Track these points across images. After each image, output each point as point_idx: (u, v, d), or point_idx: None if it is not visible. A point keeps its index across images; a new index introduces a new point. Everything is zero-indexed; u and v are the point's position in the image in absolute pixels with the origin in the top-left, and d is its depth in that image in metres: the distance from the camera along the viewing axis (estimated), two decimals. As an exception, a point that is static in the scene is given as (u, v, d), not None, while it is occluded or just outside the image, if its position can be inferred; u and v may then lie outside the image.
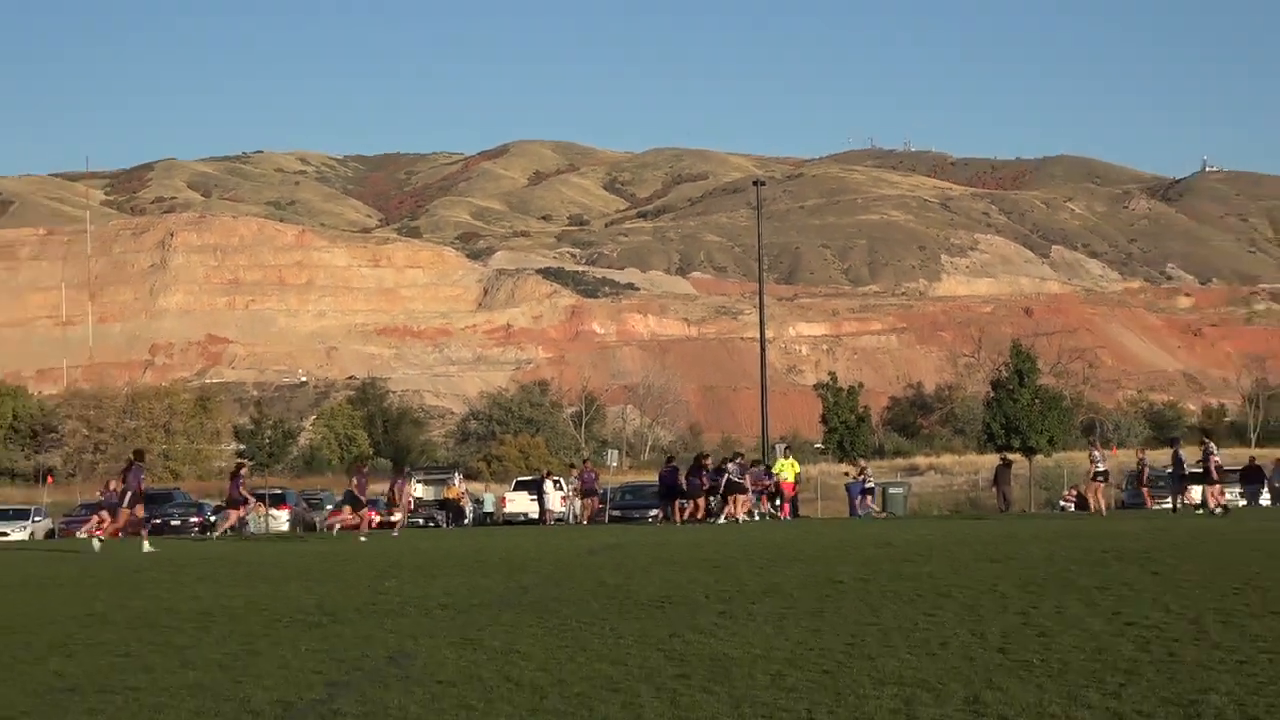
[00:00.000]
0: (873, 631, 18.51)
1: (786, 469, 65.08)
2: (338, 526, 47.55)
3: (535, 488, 78.59)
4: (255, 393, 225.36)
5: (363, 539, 43.42)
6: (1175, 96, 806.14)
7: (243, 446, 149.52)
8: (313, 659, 17.66)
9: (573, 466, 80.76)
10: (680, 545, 37.54)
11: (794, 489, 65.23)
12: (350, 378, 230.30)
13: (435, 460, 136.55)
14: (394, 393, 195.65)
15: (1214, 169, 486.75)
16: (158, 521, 78.94)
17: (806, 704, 13.54)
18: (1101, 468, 56.83)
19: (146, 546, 42.03)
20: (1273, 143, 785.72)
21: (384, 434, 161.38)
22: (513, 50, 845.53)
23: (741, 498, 57.91)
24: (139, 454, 55.03)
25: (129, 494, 44.07)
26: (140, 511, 47.02)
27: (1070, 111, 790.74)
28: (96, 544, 41.96)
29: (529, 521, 76.19)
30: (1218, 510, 51.56)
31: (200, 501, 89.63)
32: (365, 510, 51.31)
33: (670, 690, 14.57)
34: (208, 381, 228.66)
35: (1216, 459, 54.34)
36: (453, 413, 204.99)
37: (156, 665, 17.45)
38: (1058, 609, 20.24)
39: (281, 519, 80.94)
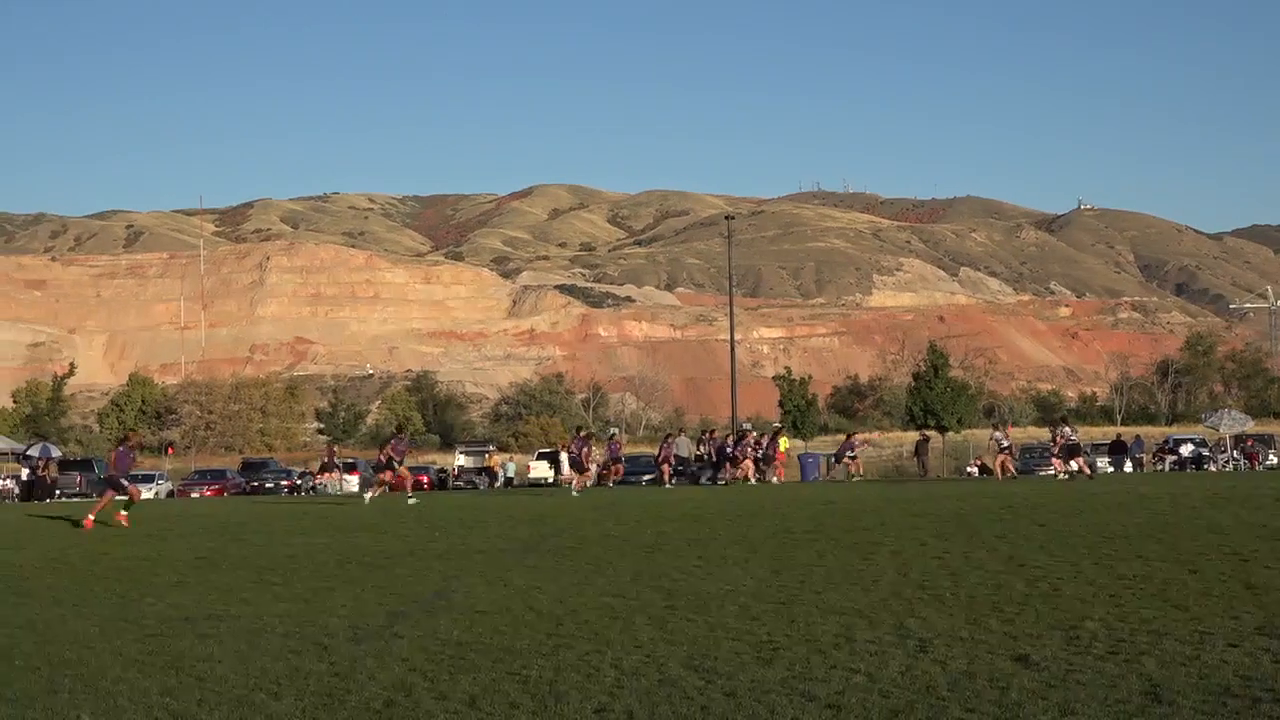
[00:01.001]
0: (820, 572, 18.46)
1: (781, 443, 64.89)
2: (375, 491, 46.97)
3: (553, 458, 78.53)
4: (333, 383, 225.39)
5: (411, 500, 43.15)
6: (1056, 148, 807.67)
7: (322, 425, 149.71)
8: (375, 594, 17.64)
9: (592, 436, 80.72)
10: (669, 503, 37.43)
11: (783, 458, 64.87)
12: (407, 371, 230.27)
13: (475, 436, 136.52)
14: (442, 383, 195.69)
15: (1087, 206, 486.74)
16: (255, 485, 79.13)
17: (767, 629, 13.49)
18: (1005, 443, 56.69)
19: (411, 500, 42.26)
20: (1134, 184, 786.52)
21: (434, 415, 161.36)
22: (536, 113, 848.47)
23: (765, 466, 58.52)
24: (399, 428, 56.01)
25: (391, 460, 44.73)
26: (406, 472, 47.99)
27: (975, 160, 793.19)
28: (391, 498, 42.85)
29: (548, 485, 76.15)
30: (1062, 476, 51.67)
31: (289, 468, 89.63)
32: (404, 473, 51.03)
33: (660, 618, 14.53)
34: (295, 374, 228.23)
35: (1064, 439, 54.34)
36: (488, 398, 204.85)
37: (253, 599, 17.41)
38: (965, 554, 20.19)
39: (352, 483, 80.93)
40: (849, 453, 63.18)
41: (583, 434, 55.46)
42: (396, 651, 12.91)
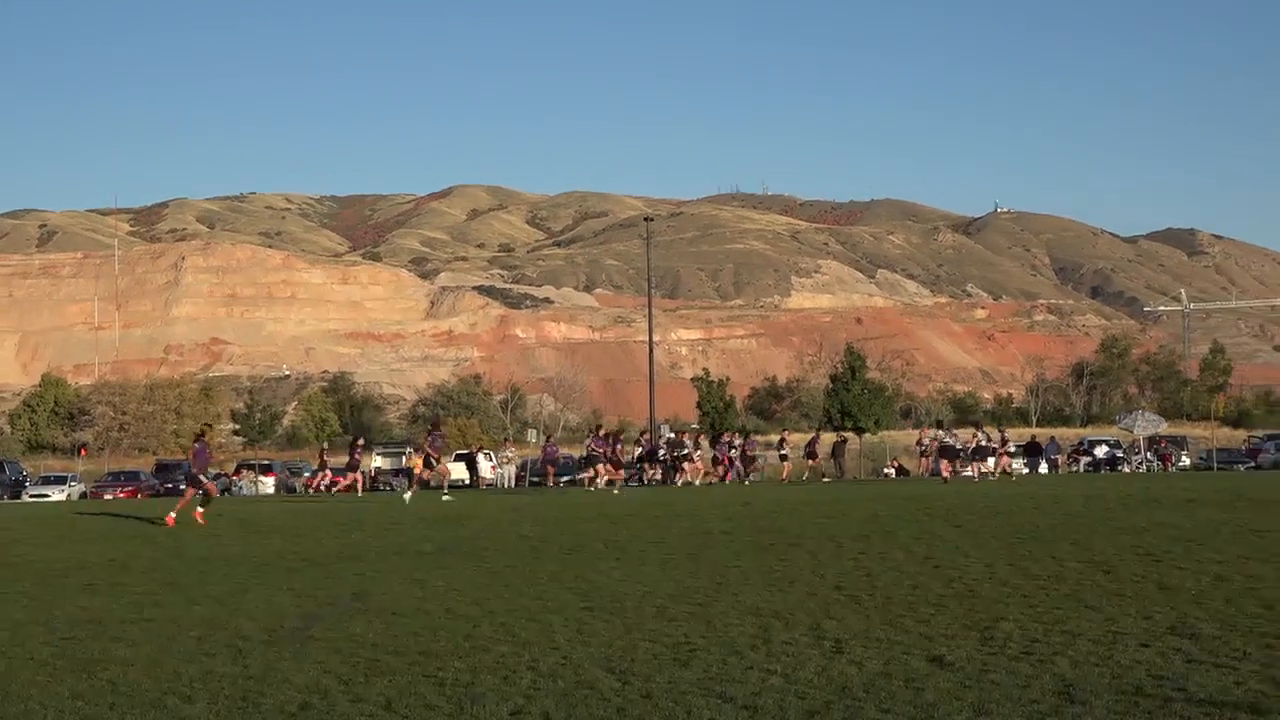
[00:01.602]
0: (736, 573, 18.51)
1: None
2: (411, 490, 46.76)
3: (470, 460, 78.29)
4: (248, 384, 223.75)
5: (446, 497, 43.35)
6: (973, 151, 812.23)
7: (237, 426, 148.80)
8: (291, 596, 17.55)
9: (506, 440, 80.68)
10: (586, 505, 37.46)
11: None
12: (324, 372, 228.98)
13: (392, 437, 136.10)
14: (359, 384, 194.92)
15: (1004, 210, 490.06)
16: (169, 486, 78.54)
17: (684, 631, 13.52)
18: (954, 444, 56.57)
19: (445, 497, 42.56)
20: (1050, 188, 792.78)
21: (351, 416, 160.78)
22: (455, 113, 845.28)
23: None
24: (435, 423, 56.26)
25: (431, 457, 45.13)
26: (446, 468, 51.14)
27: (892, 163, 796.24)
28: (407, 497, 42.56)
29: (464, 486, 75.93)
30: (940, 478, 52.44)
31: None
32: (444, 469, 53.96)
33: (577, 620, 14.53)
34: (211, 375, 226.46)
35: (936, 441, 55.00)
36: (405, 400, 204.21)
37: (166, 602, 17.28)
38: (882, 555, 20.31)
39: (268, 484, 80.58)
40: (781, 451, 63.55)
41: (603, 433, 54.86)
42: (312, 654, 12.86)
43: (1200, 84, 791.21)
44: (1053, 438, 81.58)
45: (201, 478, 32.76)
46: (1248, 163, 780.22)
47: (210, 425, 31.72)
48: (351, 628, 14.51)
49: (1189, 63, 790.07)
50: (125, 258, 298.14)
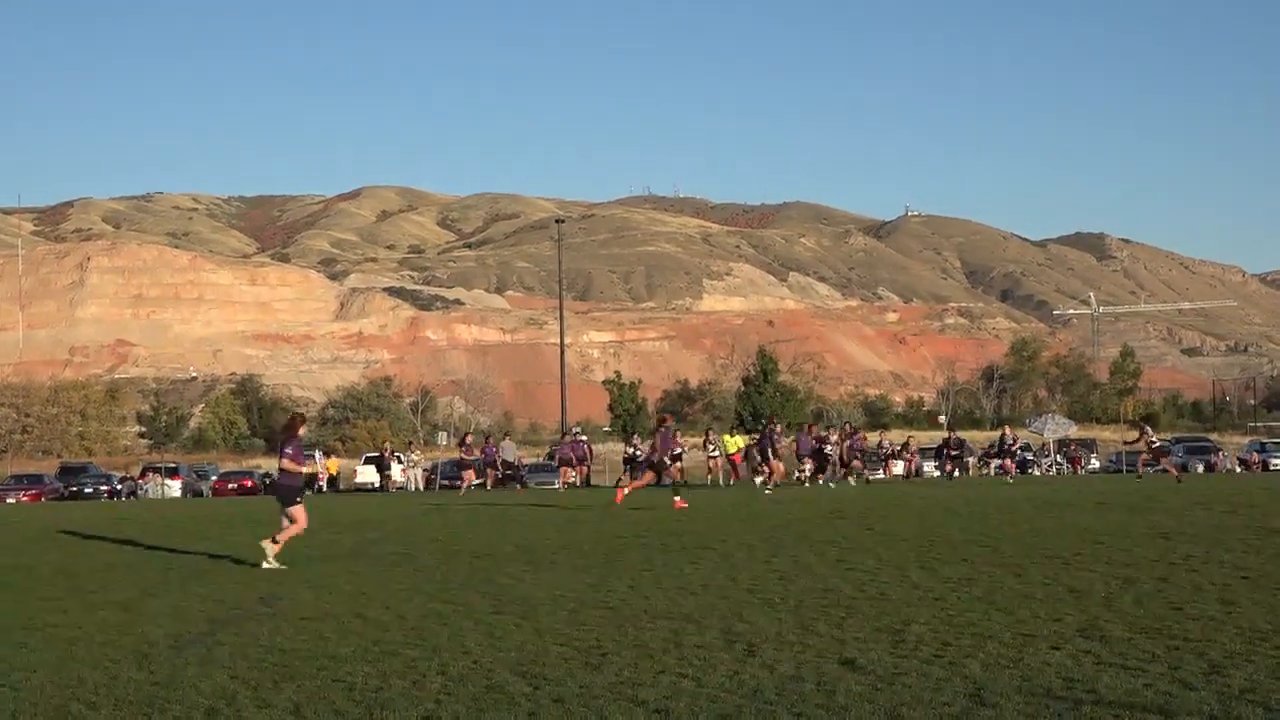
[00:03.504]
0: (648, 576, 18.50)
1: (731, 444, 63.79)
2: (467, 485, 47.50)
3: (380, 463, 78.01)
4: (155, 386, 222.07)
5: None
6: (884, 154, 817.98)
7: (143, 429, 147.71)
8: (198, 601, 17.39)
9: (411, 444, 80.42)
10: (495, 509, 37.38)
11: (740, 459, 63.76)
12: (232, 374, 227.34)
13: (301, 440, 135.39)
14: (267, 386, 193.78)
15: (915, 213, 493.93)
16: (74, 489, 77.82)
17: (596, 634, 13.50)
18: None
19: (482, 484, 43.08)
20: (959, 192, 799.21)
21: (259, 419, 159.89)
22: (365, 113, 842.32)
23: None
24: (462, 438, 56.93)
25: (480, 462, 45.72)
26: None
27: (804, 165, 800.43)
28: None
29: (374, 489, 75.63)
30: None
31: (110, 473, 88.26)
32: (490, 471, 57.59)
33: (487, 624, 14.48)
34: (116, 377, 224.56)
35: (818, 441, 55.73)
36: (314, 402, 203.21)
37: (70, 607, 17.08)
38: (794, 558, 20.36)
39: (174, 488, 79.97)
40: (711, 451, 63.35)
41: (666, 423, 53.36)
42: (219, 659, 12.75)
43: (1110, 89, 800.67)
44: (963, 441, 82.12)
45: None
46: (1156, 167, 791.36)
47: (301, 413, 28.07)
48: (259, 632, 14.40)
49: (1098, 68, 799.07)
50: (29, 258, 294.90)
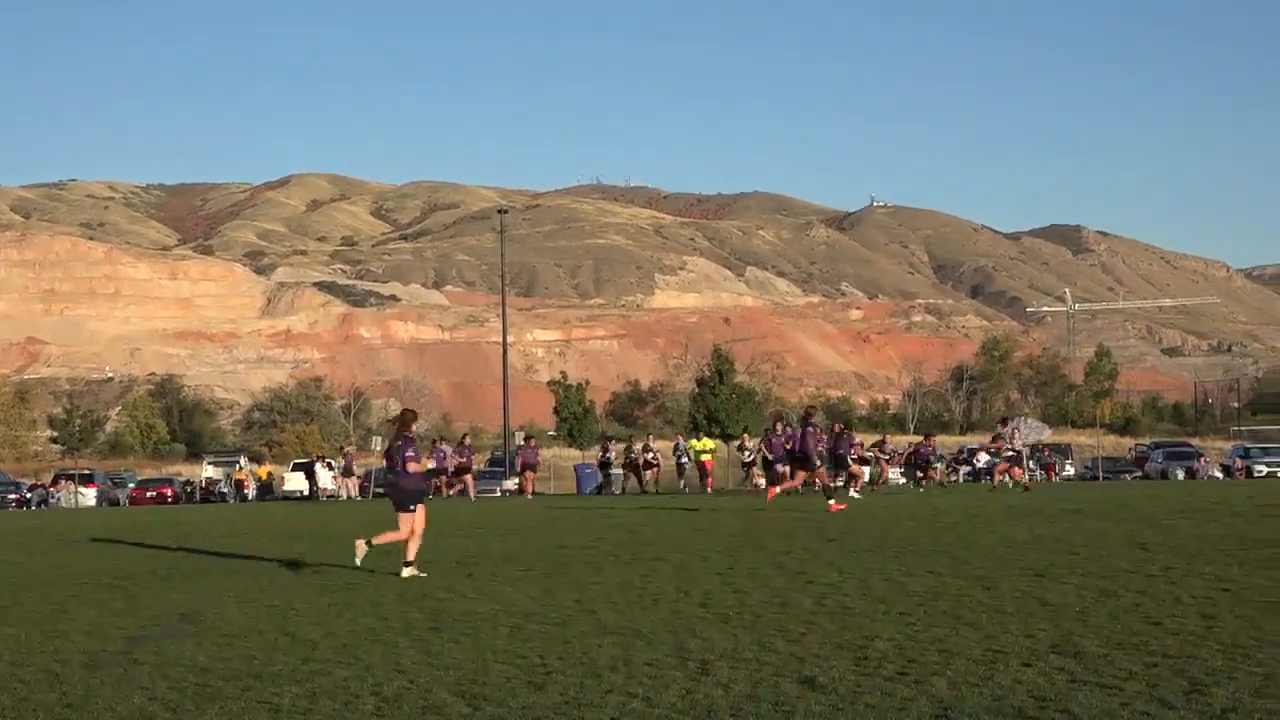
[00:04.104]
0: (596, 590, 18.52)
1: (698, 446, 63.76)
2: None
3: (309, 469, 77.98)
4: (68, 387, 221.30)
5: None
6: (848, 141, 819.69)
7: (55, 433, 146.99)
8: (114, 616, 17.35)
9: (342, 450, 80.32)
10: (434, 518, 37.32)
11: (710, 464, 63.88)
12: (151, 374, 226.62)
13: (224, 445, 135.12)
14: (189, 387, 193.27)
15: (880, 204, 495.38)
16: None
17: (540, 652, 13.50)
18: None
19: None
20: (928, 182, 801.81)
21: (180, 422, 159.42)
22: (294, 97, 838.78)
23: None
24: (528, 436, 57.94)
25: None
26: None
27: (763, 153, 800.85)
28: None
29: (304, 498, 75.53)
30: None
31: (18, 480, 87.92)
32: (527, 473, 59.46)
33: (424, 641, 14.47)
34: (26, 377, 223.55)
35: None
36: (239, 404, 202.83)
37: (-23, 623, 17.01)
38: (750, 570, 20.40)
39: (89, 496, 79.69)
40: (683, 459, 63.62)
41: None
42: (136, 679, 12.71)
43: (1087, 75, 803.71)
44: (932, 445, 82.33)
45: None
46: (1135, 157, 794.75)
47: (413, 410, 26.36)
48: (180, 650, 14.35)
49: (1072, 53, 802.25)
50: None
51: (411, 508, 22.15)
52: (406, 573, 21.02)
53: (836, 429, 52.28)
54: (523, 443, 66.93)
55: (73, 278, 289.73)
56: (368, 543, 22.14)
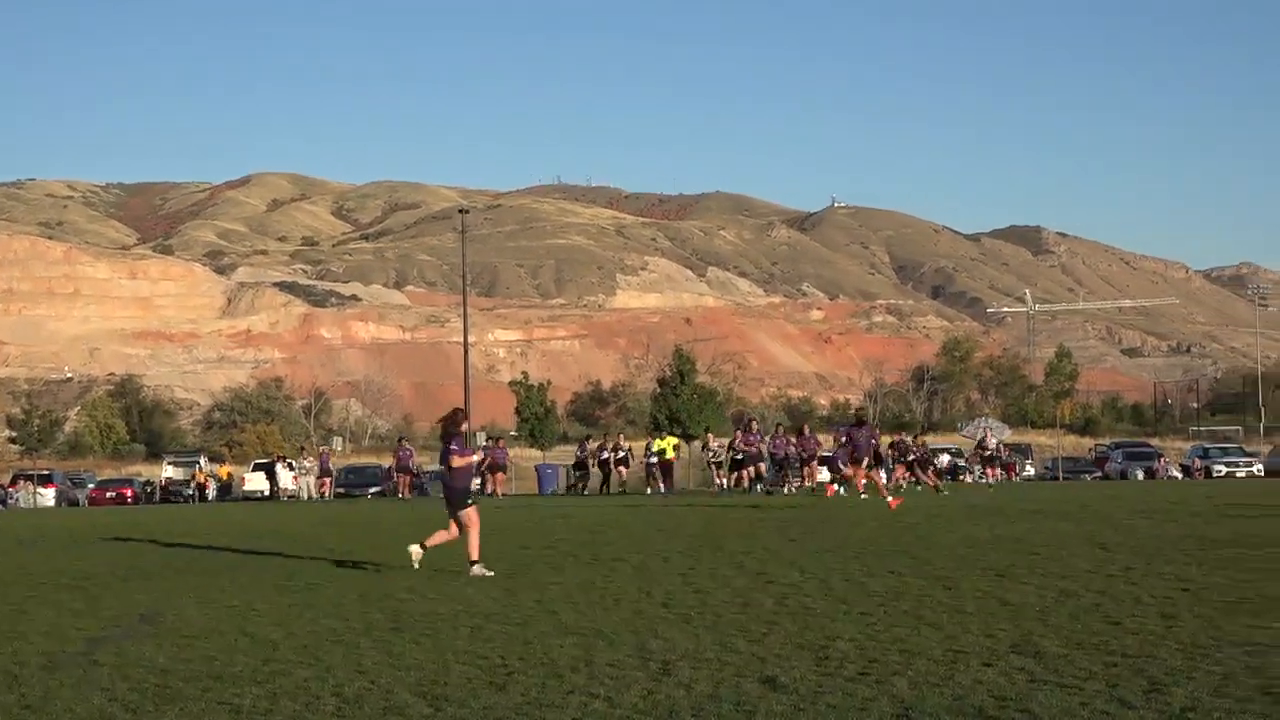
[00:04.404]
0: (557, 590, 18.53)
1: (667, 446, 63.75)
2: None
3: (269, 469, 77.85)
4: (26, 387, 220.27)
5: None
6: (809, 142, 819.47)
7: (14, 434, 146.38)
8: (73, 617, 17.28)
9: (303, 450, 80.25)
10: (394, 519, 37.29)
11: (673, 460, 64.04)
12: (110, 374, 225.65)
13: (184, 445, 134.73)
14: (148, 387, 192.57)
15: (841, 205, 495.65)
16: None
17: (501, 652, 13.49)
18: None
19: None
20: (888, 183, 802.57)
21: (140, 422, 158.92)
22: (254, 96, 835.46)
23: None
24: (496, 437, 57.81)
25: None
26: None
27: (724, 154, 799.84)
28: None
29: (264, 498, 75.37)
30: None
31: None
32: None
33: (385, 642, 14.46)
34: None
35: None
36: (200, 405, 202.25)
37: (-65, 624, 16.93)
38: (712, 570, 20.43)
39: (48, 496, 79.43)
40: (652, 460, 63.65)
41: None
42: (95, 680, 12.66)
43: (1045, 74, 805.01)
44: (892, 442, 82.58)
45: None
46: (1094, 158, 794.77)
47: (461, 408, 24.97)
48: (140, 651, 14.30)
49: (1032, 52, 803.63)
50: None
51: (470, 502, 21.98)
52: (475, 571, 20.89)
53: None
54: (490, 444, 66.88)
55: (31, 277, 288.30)
56: (421, 545, 22.01)
